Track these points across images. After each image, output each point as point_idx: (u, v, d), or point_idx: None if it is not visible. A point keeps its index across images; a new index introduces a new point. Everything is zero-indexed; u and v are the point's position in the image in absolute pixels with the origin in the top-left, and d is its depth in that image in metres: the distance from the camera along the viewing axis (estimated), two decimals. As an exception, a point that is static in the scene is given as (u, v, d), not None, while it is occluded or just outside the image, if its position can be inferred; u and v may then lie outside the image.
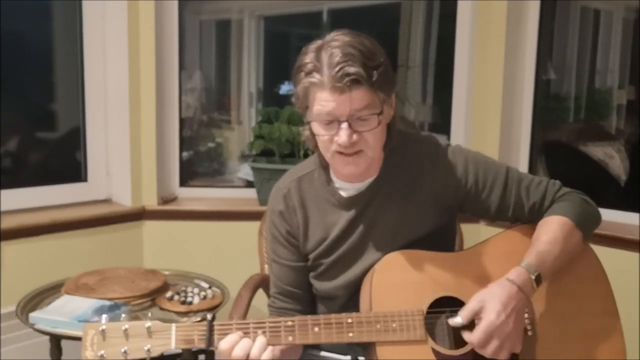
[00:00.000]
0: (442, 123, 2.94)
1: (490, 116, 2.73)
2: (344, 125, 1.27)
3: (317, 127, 1.32)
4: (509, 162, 2.66)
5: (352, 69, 1.24)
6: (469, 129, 2.79)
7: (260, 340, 1.26)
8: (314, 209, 1.47)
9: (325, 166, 1.46)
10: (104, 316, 1.26)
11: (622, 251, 2.33)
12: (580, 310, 1.39)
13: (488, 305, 1.26)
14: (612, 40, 2.94)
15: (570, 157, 2.98)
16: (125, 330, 1.22)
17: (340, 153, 1.32)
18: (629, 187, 2.79)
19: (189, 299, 2.15)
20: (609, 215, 2.49)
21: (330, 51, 1.26)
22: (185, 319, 2.07)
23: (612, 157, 2.85)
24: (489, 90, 2.73)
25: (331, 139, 1.30)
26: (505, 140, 2.75)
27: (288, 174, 1.53)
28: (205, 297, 2.18)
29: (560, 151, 2.98)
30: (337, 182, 1.45)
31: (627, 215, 2.50)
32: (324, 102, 1.27)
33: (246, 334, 1.26)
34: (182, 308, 2.12)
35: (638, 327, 2.17)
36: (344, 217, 1.44)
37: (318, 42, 1.30)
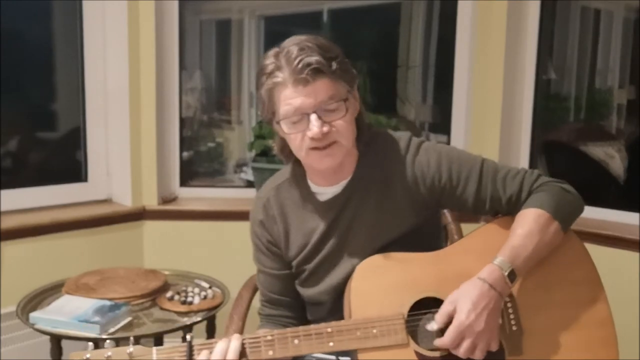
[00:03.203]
0: (442, 123, 2.94)
1: (490, 116, 2.73)
2: (313, 117, 1.27)
3: (287, 127, 1.31)
4: (509, 162, 2.67)
5: (311, 59, 1.25)
6: (469, 129, 2.79)
7: (235, 343, 1.26)
8: (293, 217, 1.46)
9: (299, 174, 1.45)
10: (90, 344, 1.27)
11: (622, 251, 2.33)
12: (567, 298, 1.37)
13: (459, 305, 1.26)
14: (612, 40, 2.94)
15: (571, 157, 2.98)
16: (108, 357, 1.23)
17: (315, 148, 1.31)
18: (629, 187, 2.79)
19: (189, 299, 2.15)
20: (609, 215, 2.50)
21: (287, 49, 1.28)
22: (185, 318, 2.07)
23: (612, 157, 2.85)
24: (489, 90, 2.73)
25: (303, 136, 1.30)
26: (505, 140, 2.75)
27: (267, 183, 1.53)
28: (205, 297, 2.18)
29: (561, 151, 2.98)
30: (313, 187, 1.45)
31: (627, 215, 2.50)
32: (289, 99, 1.28)
33: None
34: (183, 308, 2.12)
35: (638, 327, 2.17)
36: (323, 221, 1.43)
37: (275, 49, 1.31)
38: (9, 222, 2.38)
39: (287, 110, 1.29)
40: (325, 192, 1.43)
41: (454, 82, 2.81)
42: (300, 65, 1.25)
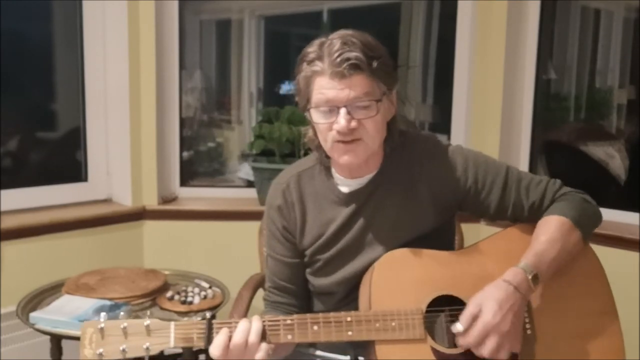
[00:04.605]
0: (442, 123, 2.94)
1: (490, 116, 2.73)
2: (343, 111, 1.28)
3: (316, 116, 1.33)
4: (509, 162, 2.65)
5: (351, 54, 1.27)
6: (469, 129, 2.79)
7: (257, 324, 1.25)
8: (311, 205, 1.47)
9: (326, 162, 1.46)
10: (103, 314, 1.25)
11: (622, 251, 2.33)
12: (579, 309, 1.39)
13: (485, 306, 1.26)
14: (612, 40, 2.94)
15: (571, 157, 2.98)
16: (124, 328, 1.21)
17: (339, 142, 1.32)
18: (629, 186, 2.79)
19: (189, 299, 2.15)
20: (609, 215, 2.46)
21: (331, 41, 1.30)
22: (185, 318, 2.07)
23: (612, 157, 2.85)
24: (489, 90, 2.73)
25: (330, 127, 1.31)
26: (505, 140, 2.75)
27: (288, 170, 1.53)
28: (205, 297, 2.18)
29: (561, 151, 2.98)
30: (338, 179, 1.45)
31: (627, 215, 2.50)
32: (324, 89, 1.29)
33: None
34: (183, 308, 2.12)
35: (638, 327, 2.17)
36: (343, 213, 1.43)
37: (321, 38, 1.33)
38: (9, 222, 2.37)
39: (319, 99, 1.31)
40: (349, 184, 1.44)
41: (454, 82, 2.81)
42: (339, 59, 1.26)
